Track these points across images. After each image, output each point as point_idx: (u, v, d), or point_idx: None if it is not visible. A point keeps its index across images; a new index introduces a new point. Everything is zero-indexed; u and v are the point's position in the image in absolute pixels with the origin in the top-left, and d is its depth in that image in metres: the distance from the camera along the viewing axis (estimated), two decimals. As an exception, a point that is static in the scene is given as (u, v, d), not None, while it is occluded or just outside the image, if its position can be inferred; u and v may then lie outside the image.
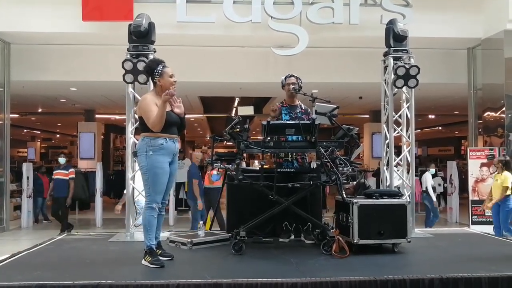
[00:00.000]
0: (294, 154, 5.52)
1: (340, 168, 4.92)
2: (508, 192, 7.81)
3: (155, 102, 4.36)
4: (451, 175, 12.47)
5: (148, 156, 4.35)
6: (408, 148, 6.56)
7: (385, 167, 6.60)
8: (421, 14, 9.25)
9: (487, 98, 10.53)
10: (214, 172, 9.69)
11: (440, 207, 13.67)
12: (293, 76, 5.68)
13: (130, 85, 5.97)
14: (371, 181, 13.75)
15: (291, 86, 5.59)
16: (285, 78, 5.69)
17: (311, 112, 5.59)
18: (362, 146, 7.18)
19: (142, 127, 4.47)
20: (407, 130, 6.61)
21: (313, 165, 5.16)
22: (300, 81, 5.64)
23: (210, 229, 6.01)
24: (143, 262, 4.32)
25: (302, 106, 5.76)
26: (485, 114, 10.52)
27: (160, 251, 4.48)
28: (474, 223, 9.79)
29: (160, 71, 4.45)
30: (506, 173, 7.87)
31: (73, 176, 10.15)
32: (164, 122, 4.32)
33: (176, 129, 4.51)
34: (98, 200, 12.01)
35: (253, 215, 5.10)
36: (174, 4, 8.92)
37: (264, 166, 5.27)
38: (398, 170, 6.61)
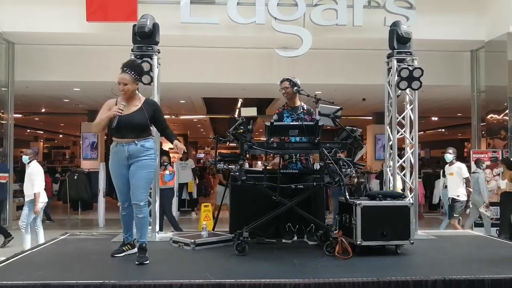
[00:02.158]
0: (298, 155, 5.53)
1: (344, 170, 4.93)
2: None
3: (110, 107, 4.57)
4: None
5: (109, 159, 4.63)
6: (412, 150, 6.55)
7: (388, 169, 6.60)
8: (424, 16, 9.24)
9: (490, 101, 10.51)
10: (167, 172, 9.73)
11: (442, 210, 13.68)
12: (287, 80, 5.67)
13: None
14: (374, 183, 13.75)
15: (281, 90, 5.68)
16: (280, 83, 5.72)
17: (314, 112, 5.60)
18: (365, 147, 7.19)
19: None
20: (410, 132, 6.61)
21: (316, 166, 5.17)
22: (295, 81, 5.62)
23: (213, 229, 6.01)
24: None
25: (304, 106, 5.76)
26: (488, 117, 10.50)
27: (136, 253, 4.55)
28: (477, 225, 9.73)
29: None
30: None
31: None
32: (114, 127, 4.44)
33: (129, 133, 4.49)
34: (101, 200, 12.03)
35: (256, 216, 5.10)
36: (178, 5, 8.93)
37: (267, 167, 5.27)
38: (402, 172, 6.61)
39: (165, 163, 9.90)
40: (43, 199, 8.13)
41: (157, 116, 4.67)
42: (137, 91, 4.68)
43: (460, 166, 8.94)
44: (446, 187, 9.40)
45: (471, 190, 8.89)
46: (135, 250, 4.60)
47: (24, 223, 7.92)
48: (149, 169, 4.56)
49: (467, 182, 8.72)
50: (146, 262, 4.40)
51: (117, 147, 4.53)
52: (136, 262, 4.39)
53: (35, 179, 7.93)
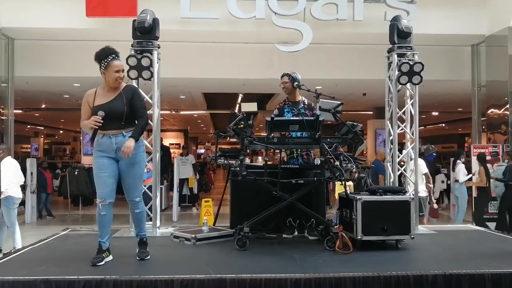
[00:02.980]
0: (299, 150, 5.53)
1: (344, 165, 4.93)
2: None
3: (88, 100, 4.39)
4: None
5: (93, 151, 4.39)
6: (412, 145, 6.55)
7: (389, 164, 6.60)
8: (425, 11, 9.22)
9: (491, 95, 10.50)
10: (145, 170, 9.66)
11: (443, 204, 13.70)
12: (286, 75, 5.67)
13: (134, 81, 5.97)
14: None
15: (281, 85, 5.69)
16: (280, 78, 5.72)
17: (315, 106, 5.60)
18: (366, 142, 7.19)
19: None
20: (411, 127, 6.61)
21: (317, 161, 5.17)
22: (295, 76, 5.62)
23: (214, 224, 6.02)
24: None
25: (305, 101, 5.76)
26: (489, 111, 10.49)
27: (137, 248, 4.51)
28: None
29: (106, 63, 4.36)
30: None
31: None
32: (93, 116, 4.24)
33: (111, 123, 4.27)
34: (102, 196, 12.01)
35: (257, 211, 5.11)
36: (178, 0, 8.92)
37: (268, 163, 5.27)
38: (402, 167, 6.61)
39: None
40: (15, 194, 7.86)
41: (134, 102, 4.36)
42: None
43: (420, 163, 8.95)
44: None
45: (431, 186, 8.87)
46: (111, 258, 4.40)
47: (8, 221, 7.82)
48: (141, 164, 4.48)
49: (426, 178, 8.64)
50: (147, 258, 4.40)
51: (104, 139, 4.31)
52: (138, 258, 4.39)
53: (4, 175, 7.73)
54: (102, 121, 4.21)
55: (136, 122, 4.37)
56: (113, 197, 4.40)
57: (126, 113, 4.29)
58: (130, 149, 4.16)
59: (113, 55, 4.40)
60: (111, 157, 4.32)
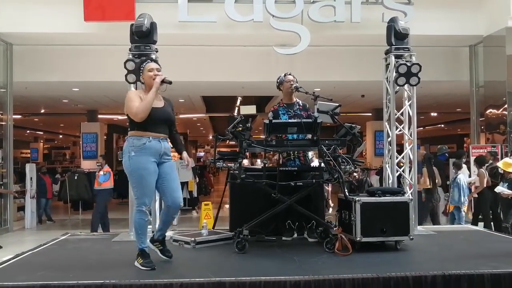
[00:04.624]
0: (297, 152, 5.53)
1: (343, 166, 4.93)
2: None
3: (140, 95, 4.31)
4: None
5: (130, 157, 4.21)
6: (410, 146, 6.56)
7: (387, 165, 6.60)
8: (422, 12, 9.25)
9: (489, 96, 10.51)
10: (101, 173, 9.62)
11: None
12: (290, 74, 5.68)
13: (132, 85, 5.97)
14: (374, 179, 13.77)
15: (291, 84, 5.54)
16: (284, 76, 5.68)
17: (309, 107, 5.60)
18: (365, 144, 7.20)
19: (129, 126, 4.34)
20: (409, 128, 6.61)
21: (315, 163, 5.17)
22: (296, 80, 5.64)
23: (213, 227, 6.02)
24: (135, 263, 4.28)
25: (300, 102, 5.74)
26: (487, 112, 10.51)
27: (161, 247, 4.51)
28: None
29: (142, 68, 4.44)
30: None
31: None
32: (149, 118, 4.21)
33: (163, 128, 4.34)
34: (101, 200, 12.01)
35: (256, 214, 5.11)
36: (175, 3, 8.94)
37: (267, 165, 5.27)
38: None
39: (98, 164, 9.88)
40: None
41: (173, 115, 4.56)
42: None
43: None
44: None
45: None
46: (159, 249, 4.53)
47: None
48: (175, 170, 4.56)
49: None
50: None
51: (152, 142, 4.23)
52: (166, 257, 4.47)
53: None
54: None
55: (172, 133, 4.49)
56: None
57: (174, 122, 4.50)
58: (191, 160, 4.49)
59: (148, 60, 4.57)
60: (156, 162, 4.30)
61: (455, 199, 8.90)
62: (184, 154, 4.54)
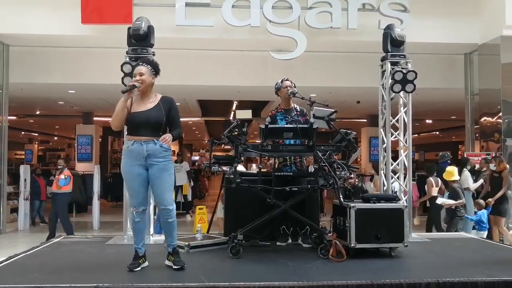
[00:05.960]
0: (293, 158, 5.53)
1: (338, 172, 4.94)
2: None
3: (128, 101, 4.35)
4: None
5: (122, 161, 4.38)
6: (406, 153, 6.57)
7: (382, 172, 6.62)
8: (418, 20, 9.29)
9: (484, 103, 10.55)
10: (62, 176, 9.58)
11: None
12: (287, 79, 5.70)
13: (128, 88, 5.96)
14: (368, 185, 13.77)
15: (288, 89, 5.56)
16: (281, 82, 5.70)
17: (307, 112, 5.62)
18: (360, 150, 7.21)
19: None
20: (404, 135, 6.63)
21: (311, 169, 5.17)
22: (294, 85, 5.66)
23: (208, 232, 6.01)
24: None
25: (297, 108, 5.76)
26: (482, 119, 10.54)
27: (173, 258, 4.39)
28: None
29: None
30: None
31: None
32: (129, 123, 4.31)
33: (146, 131, 4.28)
34: (96, 203, 11.99)
35: (250, 219, 5.10)
36: (173, 7, 8.94)
37: (262, 170, 5.28)
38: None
39: (59, 166, 9.86)
40: None
41: (173, 114, 4.41)
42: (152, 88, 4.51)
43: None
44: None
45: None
46: (146, 264, 4.41)
47: None
48: (170, 171, 4.40)
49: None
50: (185, 266, 4.33)
51: (134, 145, 4.28)
52: (176, 267, 4.29)
53: None
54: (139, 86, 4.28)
55: (171, 131, 4.40)
56: (146, 204, 4.47)
57: (163, 123, 4.34)
58: (170, 139, 4.23)
59: (139, 62, 4.56)
60: (141, 165, 4.29)
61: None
62: (169, 135, 4.27)
